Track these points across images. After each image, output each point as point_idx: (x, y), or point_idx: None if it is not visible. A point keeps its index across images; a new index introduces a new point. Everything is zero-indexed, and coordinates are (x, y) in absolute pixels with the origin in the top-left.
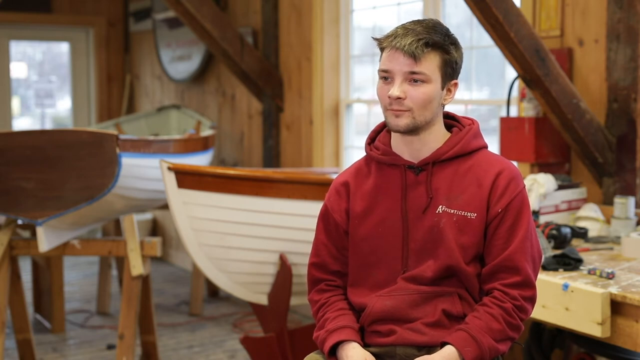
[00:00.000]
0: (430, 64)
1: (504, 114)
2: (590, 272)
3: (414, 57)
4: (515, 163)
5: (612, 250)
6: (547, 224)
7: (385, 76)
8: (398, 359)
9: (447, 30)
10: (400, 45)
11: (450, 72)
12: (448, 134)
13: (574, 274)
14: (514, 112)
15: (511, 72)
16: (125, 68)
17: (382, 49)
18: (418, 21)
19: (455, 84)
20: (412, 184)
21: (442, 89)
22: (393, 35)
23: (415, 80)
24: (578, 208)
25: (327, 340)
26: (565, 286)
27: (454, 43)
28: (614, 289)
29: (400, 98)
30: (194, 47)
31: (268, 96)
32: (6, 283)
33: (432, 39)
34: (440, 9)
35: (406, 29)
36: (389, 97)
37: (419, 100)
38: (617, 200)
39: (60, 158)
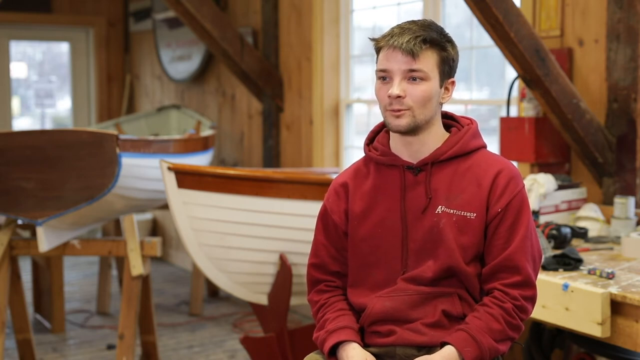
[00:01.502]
0: (429, 61)
1: (504, 114)
2: (590, 272)
3: (412, 55)
4: (515, 163)
5: (612, 250)
6: (547, 224)
7: (384, 76)
8: (398, 359)
9: (442, 29)
10: (398, 44)
11: (448, 70)
12: (447, 134)
13: (574, 274)
14: (514, 112)
15: (511, 72)
16: (125, 68)
17: (379, 49)
18: (413, 21)
19: (453, 83)
20: (411, 185)
21: (440, 87)
22: (390, 34)
23: (414, 78)
24: (578, 208)
25: (327, 340)
26: (565, 286)
27: (450, 41)
28: (614, 289)
29: (400, 97)
30: (194, 47)
31: (268, 96)
32: (6, 283)
33: (429, 36)
34: (440, 9)
35: (402, 28)
36: (389, 96)
37: (418, 98)
38: (617, 200)
39: (60, 158)
